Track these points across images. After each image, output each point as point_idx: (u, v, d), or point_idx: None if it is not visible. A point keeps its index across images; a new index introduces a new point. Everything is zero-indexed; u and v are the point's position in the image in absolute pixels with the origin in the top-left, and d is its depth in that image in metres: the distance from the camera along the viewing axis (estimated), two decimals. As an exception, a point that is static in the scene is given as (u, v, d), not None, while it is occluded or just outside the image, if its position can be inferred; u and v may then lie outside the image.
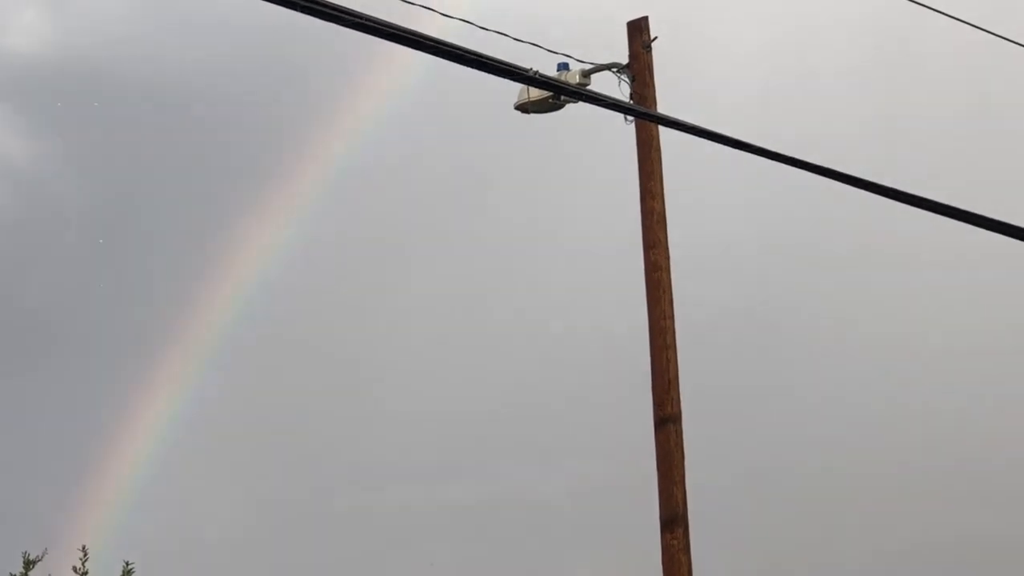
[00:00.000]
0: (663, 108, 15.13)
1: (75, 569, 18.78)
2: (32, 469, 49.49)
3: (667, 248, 14.88)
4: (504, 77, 10.28)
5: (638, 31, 15.64)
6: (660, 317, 14.74)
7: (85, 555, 18.68)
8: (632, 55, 15.57)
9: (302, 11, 9.28)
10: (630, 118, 14.89)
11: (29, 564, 18.72)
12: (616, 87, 15.44)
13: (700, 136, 11.81)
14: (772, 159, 12.44)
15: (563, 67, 15.17)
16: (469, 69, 10.19)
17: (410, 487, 48.10)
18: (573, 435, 44.80)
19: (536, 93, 14.80)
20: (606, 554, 43.76)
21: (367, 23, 9.53)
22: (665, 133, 15.10)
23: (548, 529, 45.36)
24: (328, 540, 46.48)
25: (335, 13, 9.39)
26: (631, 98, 15.26)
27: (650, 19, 15.73)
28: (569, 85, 13.72)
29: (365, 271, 48.13)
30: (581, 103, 12.61)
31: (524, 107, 15.37)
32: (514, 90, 15.33)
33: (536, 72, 10.52)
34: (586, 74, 15.40)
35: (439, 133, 44.04)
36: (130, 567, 18.94)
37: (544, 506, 46.12)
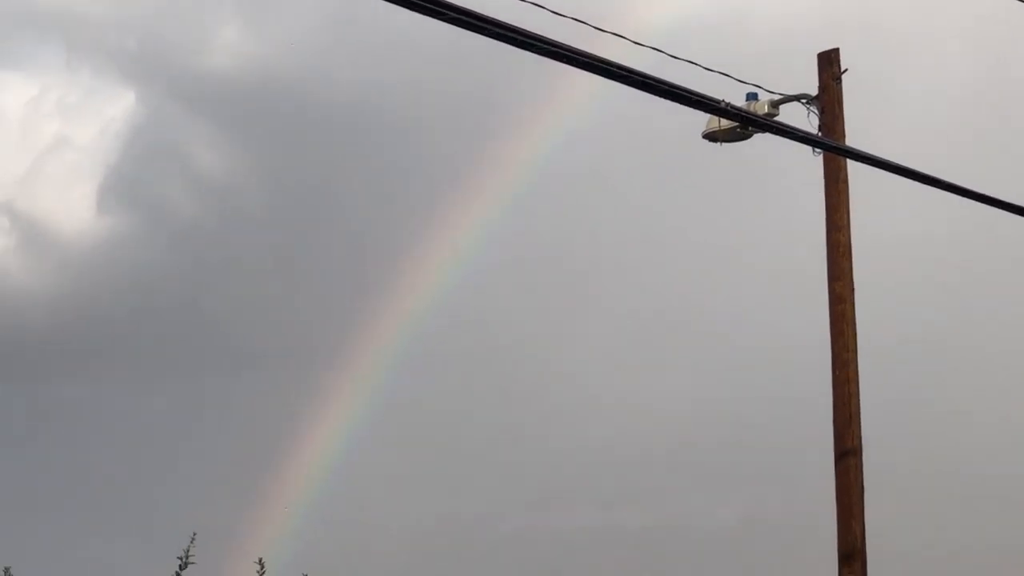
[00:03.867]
0: (852, 136, 15.10)
1: (253, 581, 19.06)
2: (208, 477, 50.44)
3: (852, 280, 14.81)
4: (696, 108, 10.37)
5: (828, 63, 15.56)
6: (843, 349, 14.68)
7: (262, 568, 18.97)
8: (821, 87, 15.50)
9: (497, 38, 9.46)
10: (818, 150, 14.84)
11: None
12: (805, 118, 15.39)
13: (887, 170, 11.79)
14: (960, 195, 12.38)
15: (752, 97, 15.16)
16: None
17: (583, 510, 48.16)
18: (750, 463, 44.50)
19: (725, 123, 14.80)
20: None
21: (564, 52, 9.69)
22: (853, 163, 15.02)
23: (719, 558, 45.09)
24: (495, 560, 46.68)
25: (530, 41, 9.56)
26: (819, 130, 15.19)
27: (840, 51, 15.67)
28: (758, 116, 13.73)
29: (558, 284, 48.10)
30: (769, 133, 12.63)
31: (713, 136, 15.39)
32: (703, 117, 15.32)
33: (727, 104, 10.56)
34: (775, 104, 15.36)
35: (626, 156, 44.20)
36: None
37: (716, 534, 45.84)
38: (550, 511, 47.98)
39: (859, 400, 14.54)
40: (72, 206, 53.41)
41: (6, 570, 18.59)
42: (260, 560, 19.03)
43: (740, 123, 14.24)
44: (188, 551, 18.92)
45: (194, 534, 18.96)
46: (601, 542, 46.46)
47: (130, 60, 53.33)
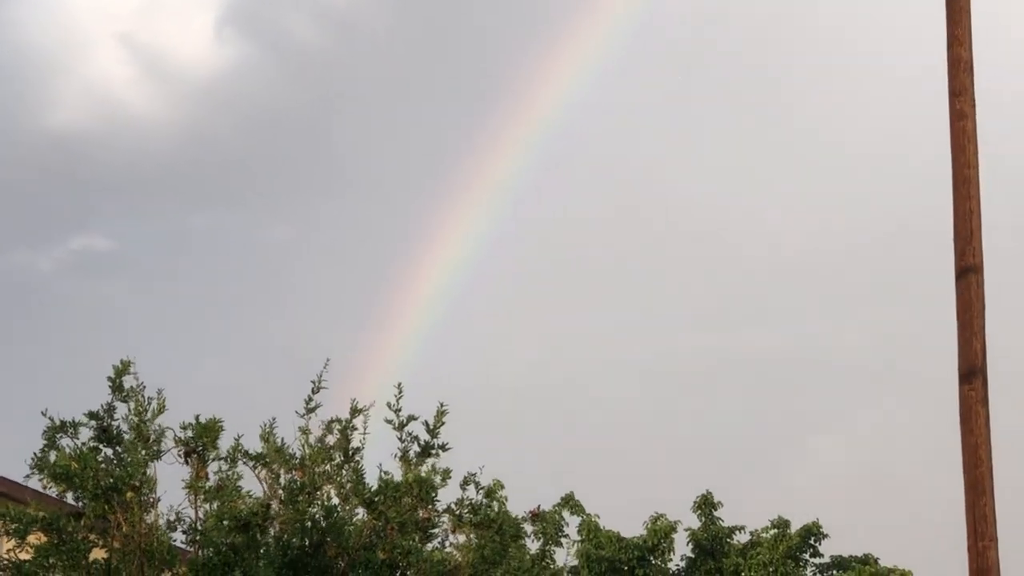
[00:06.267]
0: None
1: (389, 405, 19.47)
2: (328, 301, 51.11)
3: (973, 96, 14.60)
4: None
5: None
6: (964, 166, 14.51)
7: (400, 392, 19.34)
8: None
9: None
10: (938, -39, 14.52)
11: (356, 412, 19.52)
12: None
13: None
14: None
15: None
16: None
17: (708, 334, 48.33)
18: (872, 284, 44.38)
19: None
20: (900, 403, 43.38)
21: None
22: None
23: (843, 377, 45.11)
24: (618, 384, 47.02)
25: None
26: (940, -60, 14.84)
27: None
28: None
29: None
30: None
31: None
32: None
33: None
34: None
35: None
36: (444, 408, 19.54)
37: (841, 355, 45.83)
38: (680, 335, 48.21)
39: (980, 217, 14.41)
40: (191, 37, 53.74)
41: (159, 392, 19.10)
42: (399, 385, 19.43)
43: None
44: (321, 376, 19.41)
45: (327, 360, 19.41)
46: (724, 365, 46.66)
47: None
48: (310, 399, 19.52)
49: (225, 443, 19.29)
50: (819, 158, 47.32)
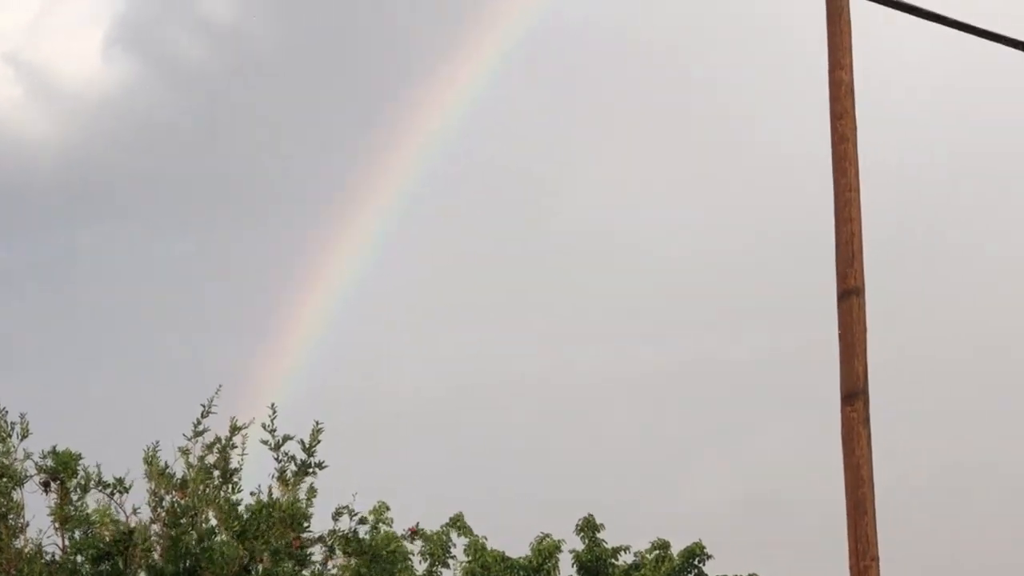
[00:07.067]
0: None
1: (264, 426, 19.29)
2: (222, 327, 50.66)
3: (855, 119, 14.72)
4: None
5: None
6: (845, 189, 14.62)
7: (274, 412, 19.19)
8: (822, -83, 15.16)
9: None
10: (820, -15, 14.60)
11: (236, 430, 19.32)
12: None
13: (892, 7, 11.63)
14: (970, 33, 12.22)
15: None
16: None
17: (601, 348, 48.36)
18: (763, 302, 44.64)
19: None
20: (788, 422, 43.68)
21: None
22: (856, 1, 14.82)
23: (732, 395, 45.32)
24: (519, 401, 46.93)
25: None
26: (821, -36, 14.93)
27: None
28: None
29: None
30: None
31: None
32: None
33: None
34: (778, -60, 15.07)
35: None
36: (319, 427, 19.43)
37: (731, 371, 46.06)
38: (567, 351, 48.20)
39: (862, 240, 14.52)
40: (79, 55, 53.09)
41: (22, 416, 18.76)
42: (272, 405, 19.27)
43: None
44: (212, 400, 19.21)
45: (219, 386, 19.24)
46: (620, 379, 46.71)
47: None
48: (198, 422, 19.33)
49: (111, 469, 19.06)
50: (713, 177, 47.59)
